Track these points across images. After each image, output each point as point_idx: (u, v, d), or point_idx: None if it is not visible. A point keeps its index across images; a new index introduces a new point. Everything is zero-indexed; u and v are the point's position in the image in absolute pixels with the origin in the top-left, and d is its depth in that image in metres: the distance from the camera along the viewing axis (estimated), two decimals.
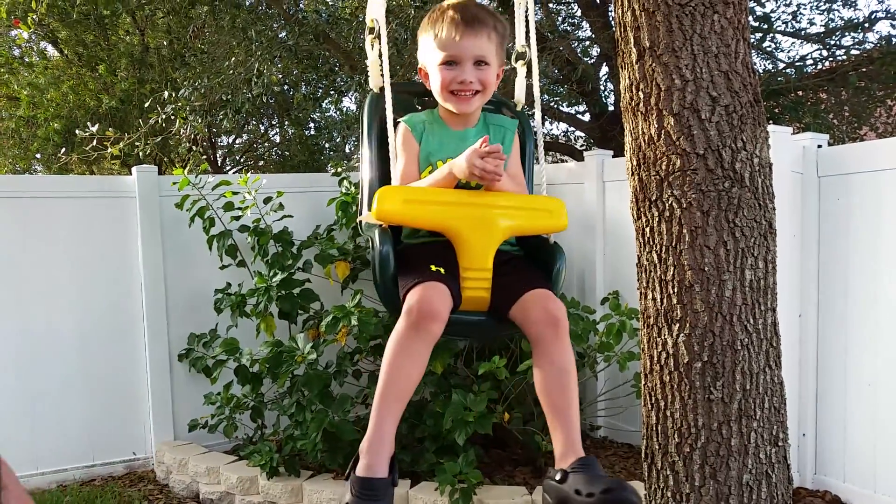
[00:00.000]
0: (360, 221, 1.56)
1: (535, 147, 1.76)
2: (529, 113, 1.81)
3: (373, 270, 1.53)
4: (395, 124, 1.66)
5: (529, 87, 1.76)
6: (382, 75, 1.68)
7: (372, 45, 1.67)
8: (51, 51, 9.54)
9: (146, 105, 6.09)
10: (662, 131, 2.13)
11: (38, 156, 9.68)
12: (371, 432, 1.45)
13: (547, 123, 8.79)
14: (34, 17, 5.28)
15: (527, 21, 1.72)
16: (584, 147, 8.33)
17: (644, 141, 2.18)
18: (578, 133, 8.60)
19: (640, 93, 2.17)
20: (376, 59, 1.68)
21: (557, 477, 1.46)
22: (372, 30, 1.65)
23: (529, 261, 1.65)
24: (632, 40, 2.18)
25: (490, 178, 1.44)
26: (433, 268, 1.46)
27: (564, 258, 1.61)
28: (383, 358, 1.48)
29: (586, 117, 7.48)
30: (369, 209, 1.53)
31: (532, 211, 1.57)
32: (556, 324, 1.47)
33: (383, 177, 1.63)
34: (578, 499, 1.35)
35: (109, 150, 5.51)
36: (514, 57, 1.77)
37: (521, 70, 1.78)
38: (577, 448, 1.51)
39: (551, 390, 1.49)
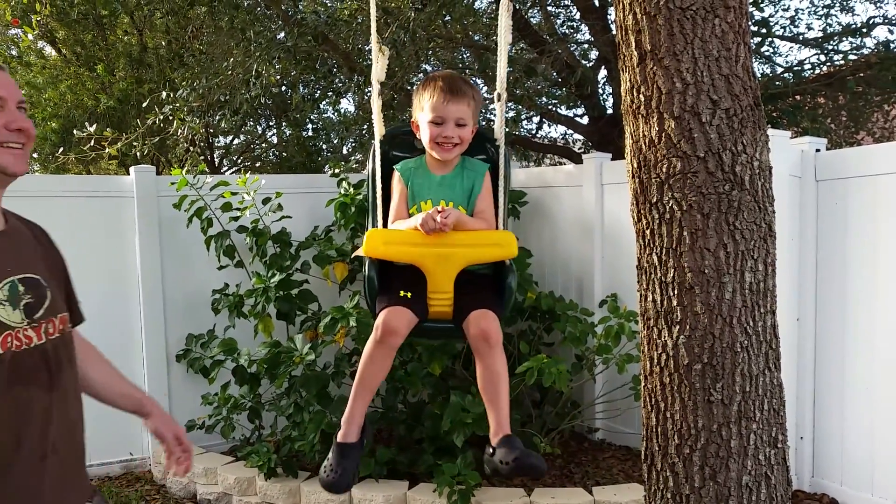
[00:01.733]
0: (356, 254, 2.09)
1: (504, 176, 2.10)
2: (507, 144, 2.18)
3: (363, 289, 2.03)
4: (397, 161, 2.16)
5: (500, 127, 2.13)
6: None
7: (375, 102, 2.12)
8: (49, 50, 9.53)
9: (144, 105, 6.08)
10: (663, 134, 2.14)
11: (35, 155, 9.66)
12: (347, 412, 2.01)
13: (545, 126, 8.81)
14: (38, 18, 5.27)
15: (500, 68, 2.10)
16: (582, 150, 8.35)
17: (645, 143, 2.19)
18: (577, 136, 8.61)
19: (641, 96, 2.18)
20: (379, 112, 2.13)
21: (490, 451, 1.98)
22: (376, 87, 2.10)
23: (488, 279, 2.06)
24: (633, 43, 2.19)
25: (432, 233, 1.93)
26: (401, 293, 1.94)
27: (514, 276, 2.03)
28: (361, 359, 1.98)
29: (584, 120, 7.49)
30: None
31: (484, 247, 1.98)
32: (487, 339, 1.92)
33: (384, 214, 2.10)
34: (502, 467, 1.90)
35: (107, 150, 5.50)
36: (495, 96, 2.12)
37: (501, 109, 2.13)
38: (504, 429, 1.96)
39: (486, 387, 1.99)
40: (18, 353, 1.46)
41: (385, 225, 2.07)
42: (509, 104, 6.77)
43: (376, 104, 2.15)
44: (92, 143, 5.43)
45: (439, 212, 1.92)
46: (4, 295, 1.47)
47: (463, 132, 2.03)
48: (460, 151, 2.07)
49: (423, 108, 2.05)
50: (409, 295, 1.93)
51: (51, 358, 1.53)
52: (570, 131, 8.60)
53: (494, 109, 2.21)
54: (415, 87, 2.14)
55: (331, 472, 1.99)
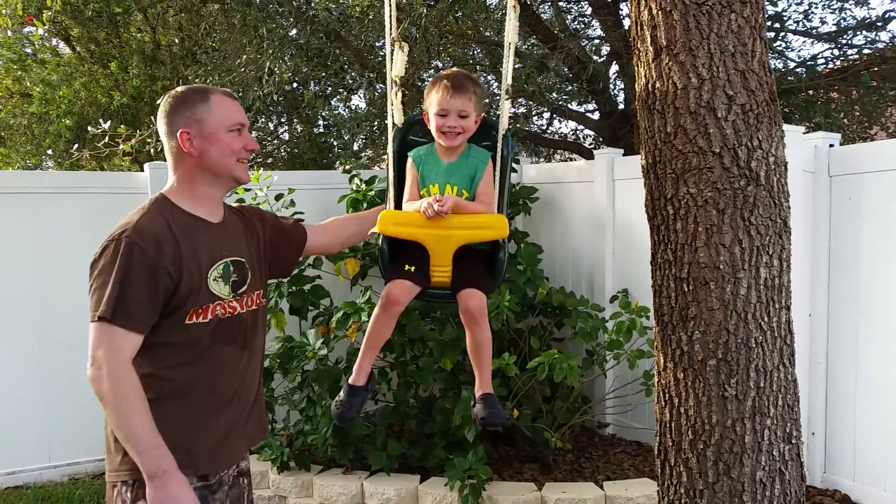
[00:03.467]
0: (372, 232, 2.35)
1: (502, 161, 2.33)
2: (511, 134, 2.40)
3: (379, 260, 2.33)
4: (414, 146, 2.43)
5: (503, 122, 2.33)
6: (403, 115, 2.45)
7: (396, 95, 2.40)
8: (63, 48, 9.58)
9: (158, 102, 6.11)
10: (679, 129, 2.14)
11: (49, 152, 9.73)
12: (357, 363, 2.37)
13: (556, 122, 8.78)
14: (49, 14, 5.30)
15: (507, 64, 2.32)
16: (593, 146, 8.32)
17: (660, 139, 2.19)
18: (588, 132, 8.58)
19: (657, 91, 2.18)
20: (399, 104, 2.41)
21: (472, 403, 2.49)
22: (396, 83, 2.39)
23: (484, 253, 2.36)
24: (648, 38, 2.19)
25: (433, 218, 2.21)
26: (406, 267, 2.25)
27: (504, 250, 2.31)
28: (369, 321, 2.33)
29: (596, 116, 7.47)
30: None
31: (478, 229, 2.25)
32: (472, 314, 2.25)
33: (398, 194, 2.40)
34: (477, 420, 2.40)
35: (121, 146, 5.53)
36: (502, 91, 2.33)
37: (507, 103, 2.34)
38: (484, 387, 2.38)
39: (473, 352, 2.36)
40: (223, 319, 1.90)
41: (399, 206, 2.37)
42: (520, 100, 6.77)
43: (396, 98, 2.40)
44: (106, 139, 5.46)
45: (437, 200, 2.20)
46: (219, 273, 1.90)
47: (465, 122, 2.28)
48: (464, 139, 2.32)
49: (431, 103, 2.31)
50: (412, 269, 2.25)
51: (248, 324, 1.98)
52: (581, 127, 8.57)
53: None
54: (427, 86, 2.38)
55: (340, 406, 2.37)
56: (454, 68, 2.70)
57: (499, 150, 2.32)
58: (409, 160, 2.38)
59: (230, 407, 1.94)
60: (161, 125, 1.95)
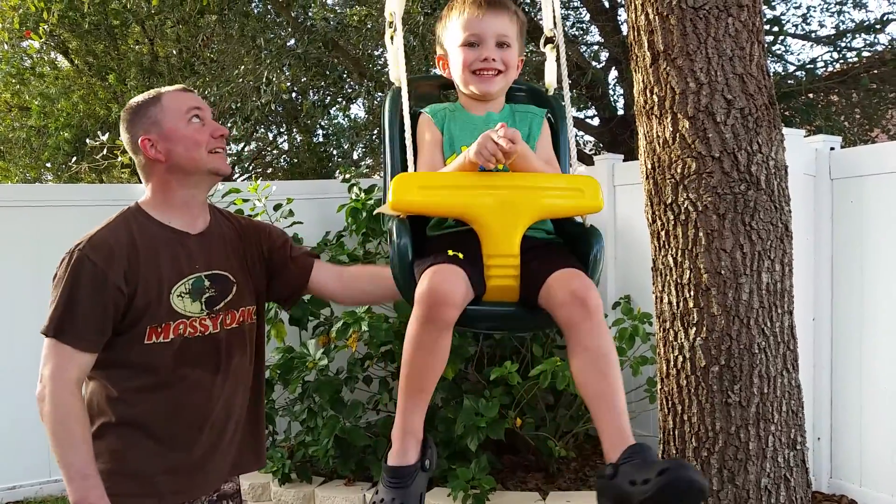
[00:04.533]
0: (382, 215, 1.58)
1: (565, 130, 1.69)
2: (561, 94, 1.72)
3: (391, 265, 1.46)
4: (417, 115, 1.63)
5: (559, 71, 1.69)
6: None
7: (391, 39, 1.64)
8: (61, 61, 9.61)
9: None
10: (677, 134, 2.12)
11: (48, 165, 9.74)
12: (397, 424, 1.46)
13: None
14: (45, 27, 5.31)
15: (553, 6, 1.67)
16: (593, 151, 8.32)
17: (658, 144, 2.18)
18: (588, 137, 8.58)
19: (655, 96, 2.17)
20: (396, 53, 1.62)
21: (608, 472, 1.27)
22: (391, 24, 1.64)
23: (563, 246, 1.55)
24: (645, 44, 2.18)
25: (499, 157, 1.38)
26: (450, 252, 1.38)
27: (602, 243, 1.50)
28: (403, 349, 1.41)
29: (595, 121, 7.47)
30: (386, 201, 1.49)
31: (561, 190, 1.46)
32: (584, 303, 1.33)
33: (405, 168, 1.57)
34: (634, 489, 1.18)
35: (119, 158, 5.53)
36: (542, 41, 1.71)
37: (551, 55, 1.69)
38: (626, 437, 1.30)
39: (589, 379, 1.34)
40: (189, 339, 1.72)
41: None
42: None
43: (393, 45, 1.65)
44: (105, 151, 5.46)
45: (503, 135, 1.37)
46: (187, 288, 1.73)
47: (507, 55, 1.57)
48: (505, 85, 1.61)
49: (451, 30, 1.59)
50: (460, 255, 1.37)
51: (223, 344, 1.78)
52: (580, 133, 8.58)
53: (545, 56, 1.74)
54: (439, 17, 1.69)
55: None
56: None
57: (567, 107, 1.63)
58: (425, 118, 1.62)
59: (202, 435, 1.76)
60: (125, 142, 1.83)
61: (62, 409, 1.62)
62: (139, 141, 1.77)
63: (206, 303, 1.75)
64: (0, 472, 4.36)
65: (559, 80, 1.68)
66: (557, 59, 1.71)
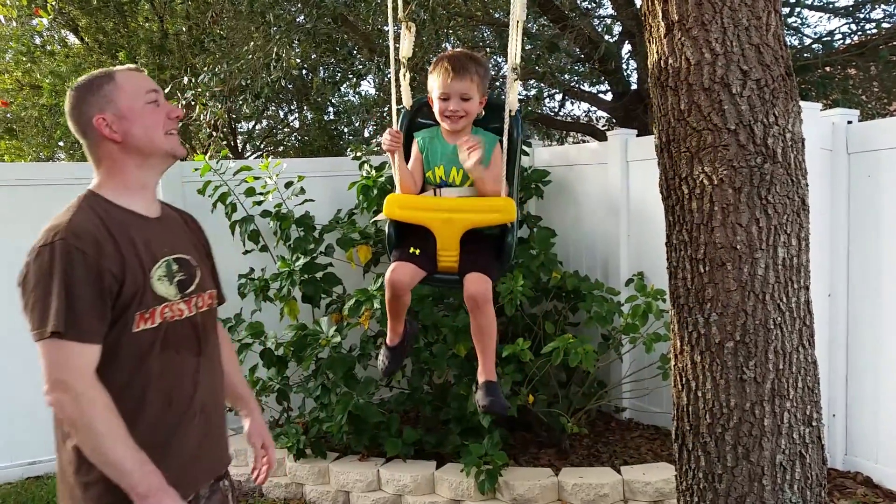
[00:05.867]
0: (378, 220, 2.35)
1: (511, 147, 2.27)
2: (522, 115, 2.34)
3: (385, 241, 2.35)
4: (421, 126, 2.42)
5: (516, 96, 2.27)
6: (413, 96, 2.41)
7: (404, 76, 2.33)
8: (72, 39, 9.59)
9: (166, 91, 6.10)
10: (692, 106, 2.08)
11: (61, 144, 9.77)
12: (389, 329, 2.45)
13: (568, 104, 8.68)
14: (53, 3, 5.28)
15: (516, 43, 2.17)
16: (606, 127, 8.23)
17: (673, 116, 2.14)
18: (601, 113, 8.49)
19: (669, 67, 2.13)
20: (407, 86, 2.35)
21: (474, 389, 2.55)
22: (403, 64, 2.32)
23: (492, 238, 2.31)
24: (660, 14, 2.13)
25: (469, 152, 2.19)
26: (411, 250, 2.24)
27: (513, 234, 2.26)
28: (385, 300, 2.36)
29: (608, 97, 7.38)
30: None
31: (484, 213, 2.20)
32: (475, 300, 2.20)
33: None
34: (480, 407, 2.36)
35: None
36: (509, 69, 2.22)
37: (515, 83, 2.23)
38: (487, 374, 2.34)
39: (476, 338, 2.32)
40: (172, 324, 1.70)
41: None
42: (531, 82, 6.68)
43: (404, 80, 2.34)
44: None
45: (471, 146, 2.17)
46: (163, 272, 1.70)
47: (468, 105, 2.23)
48: (467, 122, 2.28)
49: (433, 87, 2.27)
50: (417, 252, 2.23)
51: (199, 327, 1.79)
52: (593, 108, 8.49)
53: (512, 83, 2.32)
54: (430, 68, 2.33)
55: (382, 364, 2.51)
56: (457, 49, 2.59)
57: (505, 130, 2.24)
58: (415, 141, 2.36)
59: (196, 419, 1.74)
60: (72, 123, 1.75)
61: (97, 406, 1.55)
62: (94, 119, 1.70)
63: (179, 286, 1.73)
64: (20, 447, 4.42)
65: (511, 108, 2.26)
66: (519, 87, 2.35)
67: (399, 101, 2.36)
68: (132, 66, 1.84)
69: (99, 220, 1.64)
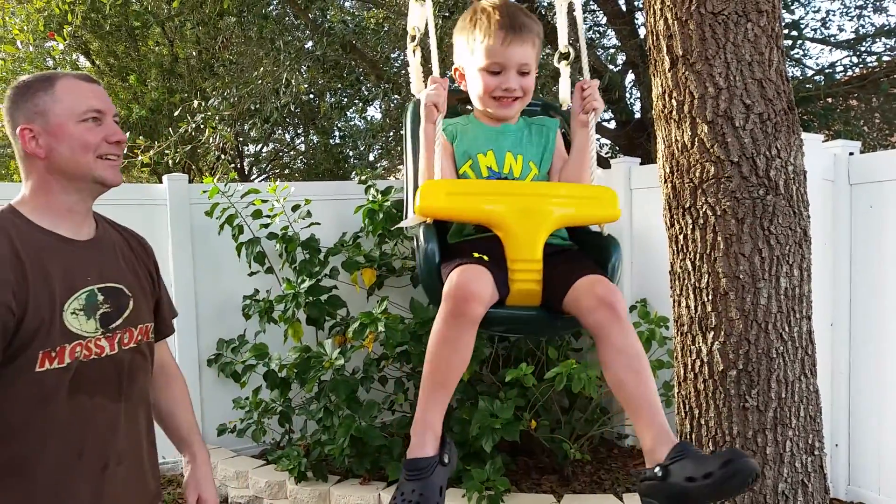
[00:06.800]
0: (405, 227, 1.56)
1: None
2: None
3: (419, 269, 1.52)
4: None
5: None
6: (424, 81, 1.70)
7: (413, 52, 1.68)
8: (83, 62, 9.72)
9: (176, 114, 6.19)
10: (696, 139, 2.13)
11: None
12: (416, 419, 1.45)
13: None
14: (69, 29, 5.38)
15: (574, 20, 1.70)
16: (609, 155, 8.30)
17: (677, 148, 2.18)
18: (604, 140, 8.56)
19: (673, 100, 2.18)
20: (418, 66, 1.68)
21: (659, 473, 1.28)
22: (413, 38, 1.66)
23: (581, 251, 1.62)
24: (664, 48, 2.19)
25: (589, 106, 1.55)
26: (476, 255, 1.46)
27: (620, 251, 1.55)
28: (428, 345, 1.43)
29: (612, 125, 7.46)
30: (413, 207, 1.55)
31: (581, 199, 1.51)
32: (611, 307, 1.38)
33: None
34: (695, 485, 1.21)
35: (140, 158, 5.60)
36: (556, 57, 1.72)
37: (565, 70, 1.72)
38: (668, 436, 1.33)
39: (624, 380, 1.37)
40: (86, 363, 1.47)
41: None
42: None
43: (415, 58, 1.71)
44: (125, 151, 5.54)
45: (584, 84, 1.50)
46: (80, 304, 1.47)
47: (527, 81, 1.60)
48: (522, 106, 1.65)
49: (472, 51, 1.59)
50: (485, 258, 1.44)
51: (124, 368, 1.55)
52: (597, 136, 8.56)
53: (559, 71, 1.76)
54: (459, 21, 1.66)
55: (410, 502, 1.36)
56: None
57: (558, 130, 1.68)
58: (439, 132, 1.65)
59: (106, 473, 1.50)
60: (5, 124, 1.55)
61: None
62: (18, 129, 1.50)
63: (101, 320, 1.50)
64: None
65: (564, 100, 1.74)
66: (573, 74, 1.77)
67: (423, 86, 1.65)
68: (83, 73, 1.62)
69: (7, 242, 1.43)
